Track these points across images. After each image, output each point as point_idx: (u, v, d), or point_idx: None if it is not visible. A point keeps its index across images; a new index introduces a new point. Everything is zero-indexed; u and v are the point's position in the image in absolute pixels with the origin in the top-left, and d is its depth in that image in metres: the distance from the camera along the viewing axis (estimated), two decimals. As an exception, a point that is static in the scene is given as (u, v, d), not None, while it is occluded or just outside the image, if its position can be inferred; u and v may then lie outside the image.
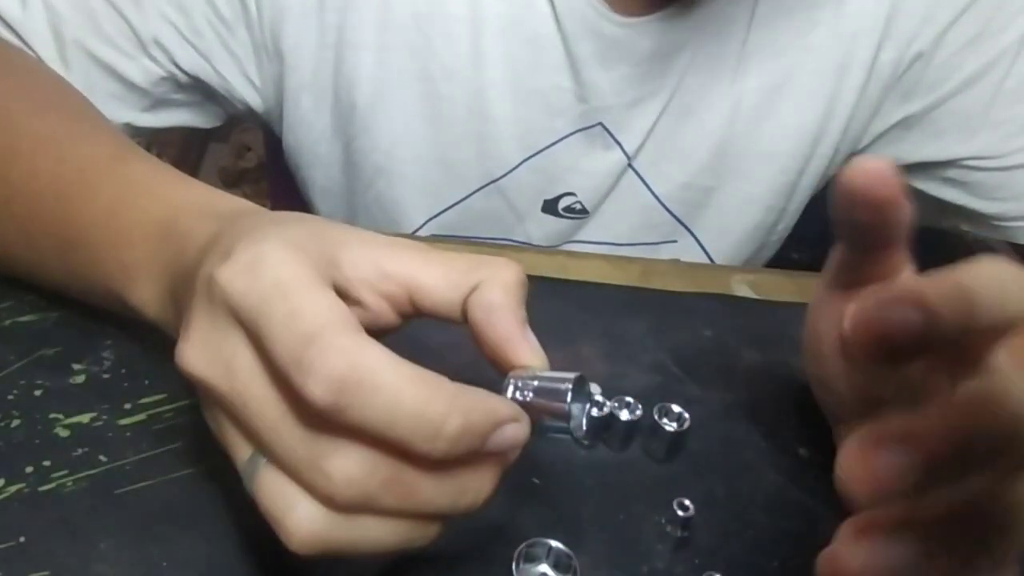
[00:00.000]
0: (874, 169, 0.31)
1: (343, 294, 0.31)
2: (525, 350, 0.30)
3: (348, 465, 0.26)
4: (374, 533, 0.27)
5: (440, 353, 0.42)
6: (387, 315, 0.32)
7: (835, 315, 0.37)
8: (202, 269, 0.30)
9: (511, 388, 0.30)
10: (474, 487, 0.28)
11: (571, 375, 0.30)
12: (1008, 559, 0.27)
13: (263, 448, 0.27)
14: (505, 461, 0.29)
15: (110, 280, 0.38)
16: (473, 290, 0.31)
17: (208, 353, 0.28)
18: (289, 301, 0.26)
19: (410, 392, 0.25)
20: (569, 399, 0.29)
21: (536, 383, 0.30)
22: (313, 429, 0.26)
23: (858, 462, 0.24)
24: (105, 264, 0.38)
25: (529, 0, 0.57)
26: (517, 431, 0.28)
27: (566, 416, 0.29)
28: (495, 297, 0.30)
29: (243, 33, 0.58)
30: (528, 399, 0.29)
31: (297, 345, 0.25)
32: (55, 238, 0.40)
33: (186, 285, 0.31)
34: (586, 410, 0.32)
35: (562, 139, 0.61)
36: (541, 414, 0.29)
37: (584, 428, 0.31)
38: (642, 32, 0.57)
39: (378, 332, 0.32)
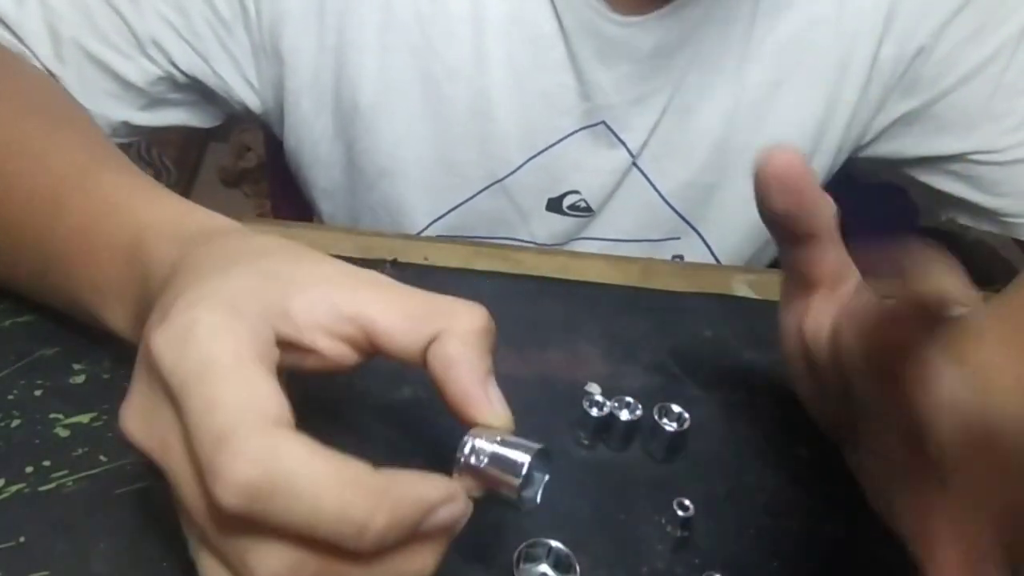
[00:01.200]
0: (784, 156, 0.34)
1: (294, 344, 0.30)
2: (484, 409, 0.29)
3: (271, 564, 0.25)
4: None
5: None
6: (347, 357, 0.31)
7: (793, 320, 0.38)
8: (147, 326, 0.29)
9: (467, 450, 0.29)
10: (413, 569, 0.26)
11: (534, 446, 0.29)
12: None
13: (194, 533, 0.27)
14: (447, 536, 0.27)
15: (84, 299, 0.37)
16: (433, 340, 0.29)
17: (145, 423, 0.28)
18: (209, 388, 0.25)
19: (330, 494, 0.24)
20: (524, 472, 0.28)
21: (493, 450, 0.28)
22: (232, 527, 0.25)
23: None
24: (79, 283, 0.37)
25: None
26: (452, 511, 0.26)
27: (516, 491, 0.28)
28: (454, 351, 0.29)
29: (242, 34, 0.58)
30: (483, 465, 0.28)
31: (210, 444, 0.24)
32: (33, 253, 0.40)
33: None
34: (544, 480, 0.30)
35: (566, 137, 0.61)
36: (493, 483, 0.28)
37: (538, 500, 0.30)
38: (642, 30, 0.57)
39: (341, 372, 0.31)
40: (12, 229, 0.40)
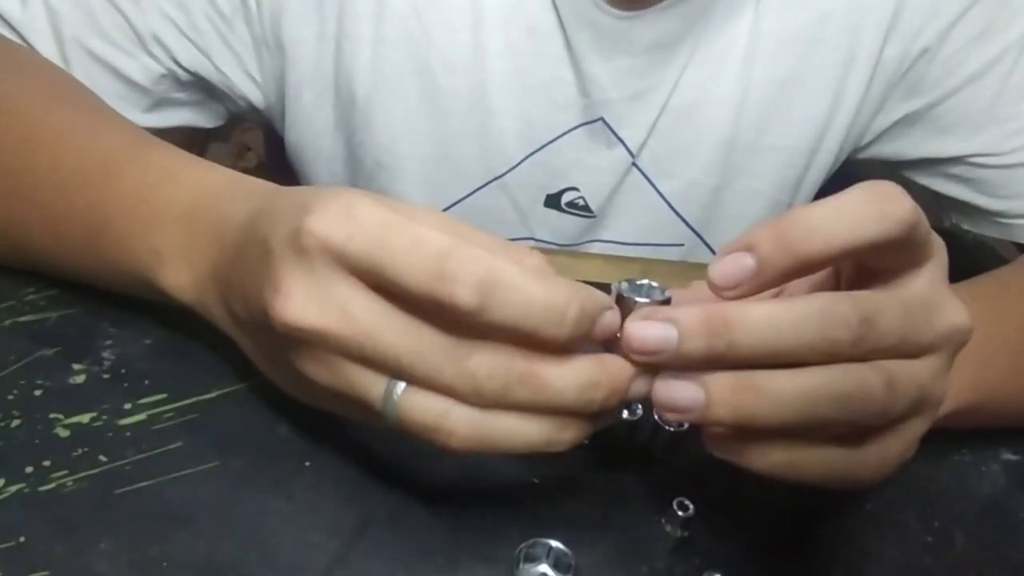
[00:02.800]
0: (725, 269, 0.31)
1: None
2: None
3: (487, 360, 0.29)
4: (519, 429, 0.30)
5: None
6: None
7: None
8: (275, 232, 0.31)
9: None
10: (597, 379, 0.30)
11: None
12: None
13: (402, 372, 0.29)
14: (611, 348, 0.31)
15: (140, 266, 0.38)
16: None
17: (316, 304, 0.29)
18: (406, 233, 0.28)
19: (537, 286, 0.28)
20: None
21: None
22: (452, 337, 0.29)
23: None
24: (135, 250, 0.38)
25: None
26: (615, 316, 0.31)
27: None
28: None
29: (243, 29, 0.58)
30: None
31: (433, 264, 0.28)
32: (81, 226, 0.40)
33: (236, 262, 0.34)
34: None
35: (565, 133, 0.61)
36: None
37: None
38: (640, 24, 0.57)
39: None
40: (61, 204, 0.41)
